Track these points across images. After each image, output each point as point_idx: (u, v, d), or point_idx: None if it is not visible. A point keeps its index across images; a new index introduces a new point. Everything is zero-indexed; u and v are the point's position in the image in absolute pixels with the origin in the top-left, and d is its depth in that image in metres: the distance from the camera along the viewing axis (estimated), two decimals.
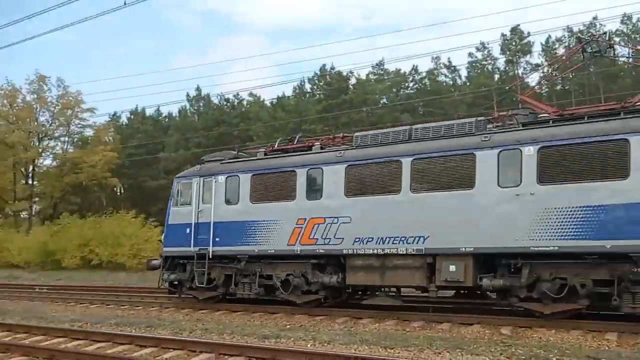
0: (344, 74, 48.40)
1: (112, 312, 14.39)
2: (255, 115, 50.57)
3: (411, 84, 51.41)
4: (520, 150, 10.52)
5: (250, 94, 54.27)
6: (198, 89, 58.11)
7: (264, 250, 13.37)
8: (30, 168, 47.84)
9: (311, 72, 53.52)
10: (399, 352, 8.32)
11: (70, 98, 47.55)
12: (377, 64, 51.03)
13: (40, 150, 47.93)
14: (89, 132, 49.89)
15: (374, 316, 11.87)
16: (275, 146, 14.70)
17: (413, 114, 45.48)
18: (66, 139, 50.28)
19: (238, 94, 56.82)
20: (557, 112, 11.54)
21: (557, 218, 9.96)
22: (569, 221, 9.89)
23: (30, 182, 48.04)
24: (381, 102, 48.63)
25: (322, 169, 12.78)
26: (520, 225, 10.27)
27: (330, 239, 12.43)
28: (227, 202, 14.16)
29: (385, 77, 50.51)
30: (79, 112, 48.39)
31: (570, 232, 9.83)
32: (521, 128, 11.10)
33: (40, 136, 48.09)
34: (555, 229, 9.98)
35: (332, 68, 49.32)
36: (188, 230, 14.57)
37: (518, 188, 10.44)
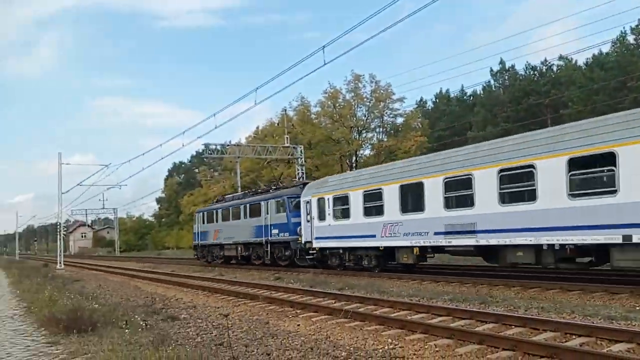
0: None
1: (442, 288, 15.09)
2: (568, 80, 46.53)
3: None
4: (242, 206, 30.29)
5: (560, 57, 50.13)
6: (501, 62, 56.34)
7: (210, 242, 34.02)
8: (353, 159, 53.34)
9: (633, 21, 46.34)
10: None
11: (382, 92, 51.28)
12: None
13: (360, 142, 53.00)
14: (399, 121, 53.11)
15: None
16: (217, 199, 37.20)
17: None
18: (380, 129, 54.51)
19: (546, 60, 53.14)
20: (247, 191, 34.84)
21: (249, 229, 28.62)
22: (250, 231, 28.49)
23: None
24: None
25: (218, 210, 33.18)
26: (248, 233, 28.76)
27: (220, 237, 32.28)
28: (203, 223, 35.00)
29: None
30: (389, 103, 51.92)
31: (251, 235, 28.52)
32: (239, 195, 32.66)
33: (359, 129, 53.14)
34: (248, 233, 28.78)
35: None
36: (196, 234, 36.48)
37: (244, 220, 29.37)
